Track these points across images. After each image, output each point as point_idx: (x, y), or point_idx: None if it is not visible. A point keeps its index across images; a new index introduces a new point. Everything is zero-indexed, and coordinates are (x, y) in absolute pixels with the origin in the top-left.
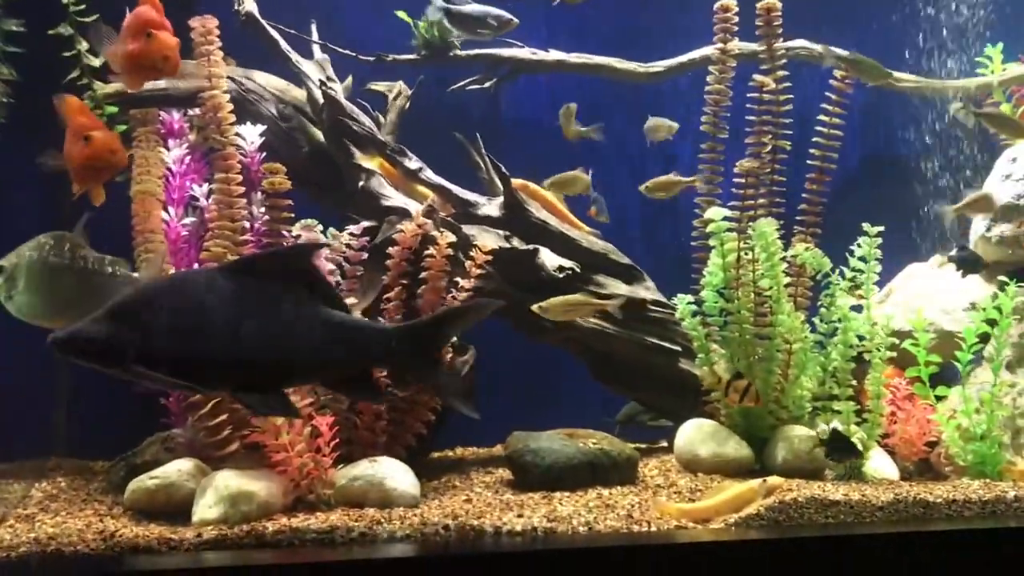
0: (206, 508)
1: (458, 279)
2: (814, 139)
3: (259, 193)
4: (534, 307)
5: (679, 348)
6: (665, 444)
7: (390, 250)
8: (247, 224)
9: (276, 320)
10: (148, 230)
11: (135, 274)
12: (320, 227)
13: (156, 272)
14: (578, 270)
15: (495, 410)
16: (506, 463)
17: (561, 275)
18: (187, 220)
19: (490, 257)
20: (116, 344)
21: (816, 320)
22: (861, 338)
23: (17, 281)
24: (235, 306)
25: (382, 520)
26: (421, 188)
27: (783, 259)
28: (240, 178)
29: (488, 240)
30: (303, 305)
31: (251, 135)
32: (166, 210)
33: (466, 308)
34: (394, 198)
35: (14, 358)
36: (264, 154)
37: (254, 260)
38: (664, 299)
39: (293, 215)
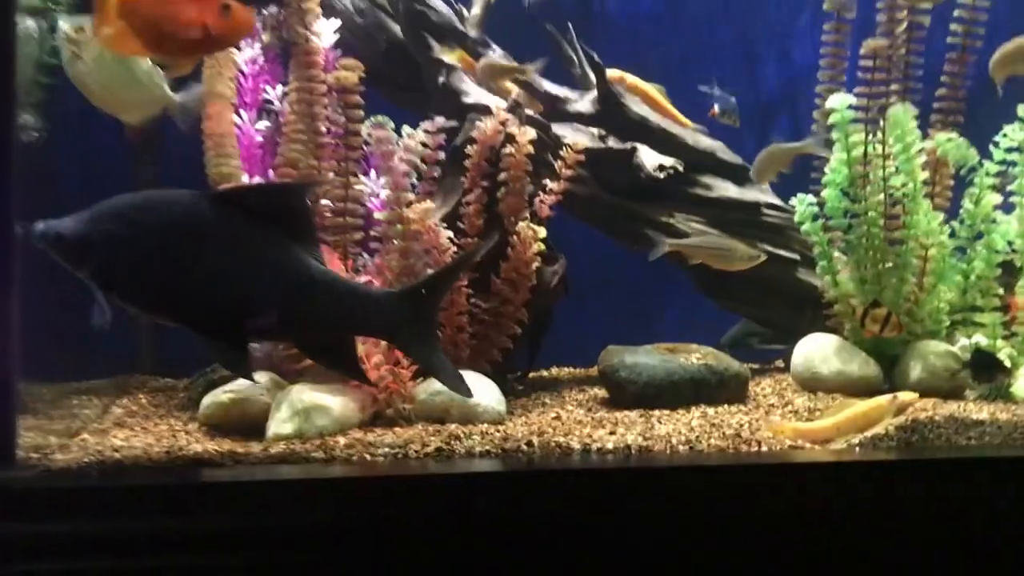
0: (280, 423)
1: (547, 181)
2: (956, 13)
3: (334, 94)
4: (668, 243)
5: (797, 256)
6: (781, 364)
7: (468, 149)
8: (324, 128)
9: (255, 262)
10: (220, 134)
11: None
12: (392, 124)
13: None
14: (681, 169)
15: (593, 327)
16: (600, 380)
17: (662, 175)
18: (260, 124)
19: (582, 157)
20: (80, 247)
21: (956, 223)
22: (1010, 243)
23: (86, 47)
24: (213, 237)
25: (461, 435)
26: (506, 84)
27: (920, 152)
28: (323, 76)
29: (580, 139)
30: (288, 252)
31: (327, 31)
32: (238, 114)
33: (457, 261)
34: (476, 95)
35: None
36: (340, 52)
37: (245, 191)
38: (780, 201)
39: (363, 113)
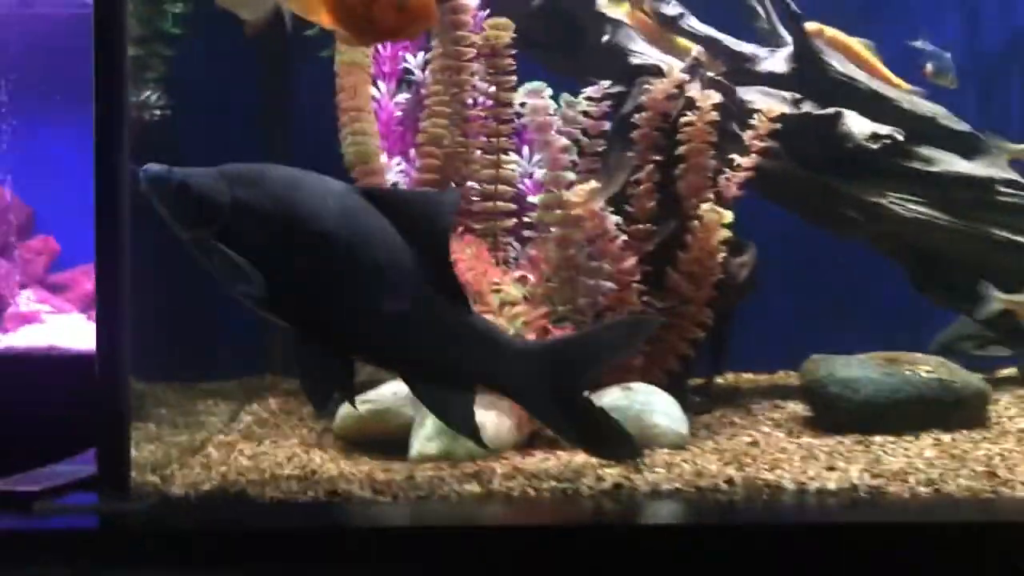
0: (425, 441)
1: (734, 156)
2: None
3: (480, 62)
4: (1001, 299)
5: None
6: (1014, 372)
7: (635, 117)
8: (471, 100)
9: (383, 276)
10: (356, 108)
11: None
12: (549, 92)
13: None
14: (900, 138)
15: (781, 327)
16: (801, 395)
17: (876, 145)
18: (400, 97)
19: (776, 126)
20: (210, 204)
21: None
22: None
23: None
24: (352, 239)
25: (642, 466)
26: (682, 41)
27: None
28: (471, 38)
29: (772, 104)
30: (418, 274)
31: None
32: (376, 85)
33: (625, 324)
34: (647, 55)
35: None
36: (487, 12)
37: (400, 197)
38: (1019, 177)
39: (516, 80)
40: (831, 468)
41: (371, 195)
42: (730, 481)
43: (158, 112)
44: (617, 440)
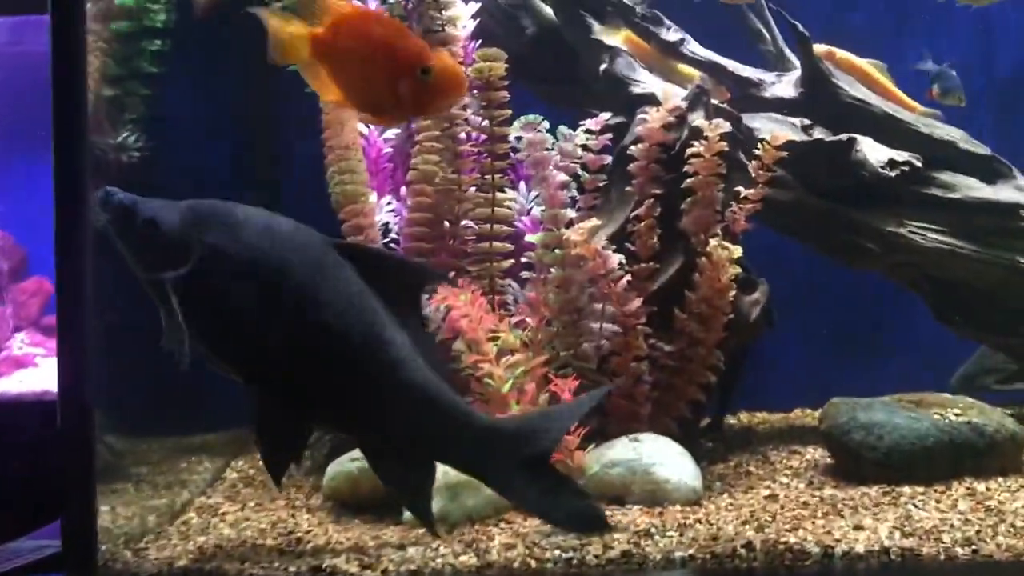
0: None
1: (740, 188)
2: None
3: (473, 95)
4: None
5: None
6: None
7: (632, 149)
8: (464, 134)
9: (354, 339)
10: (342, 145)
11: None
12: (546, 125)
13: None
14: (919, 165)
15: (794, 364)
16: (822, 440)
17: (893, 172)
18: (390, 132)
19: (784, 154)
20: (178, 245)
21: None
22: None
23: None
24: (326, 298)
25: (652, 530)
26: (684, 67)
27: None
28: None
29: (781, 131)
30: (393, 342)
31: (464, 16)
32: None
33: (593, 397)
34: (648, 83)
35: None
36: (479, 41)
37: (382, 259)
38: None
39: (510, 113)
40: (858, 527)
41: (351, 253)
42: (749, 545)
43: (136, 153)
44: (586, 512)
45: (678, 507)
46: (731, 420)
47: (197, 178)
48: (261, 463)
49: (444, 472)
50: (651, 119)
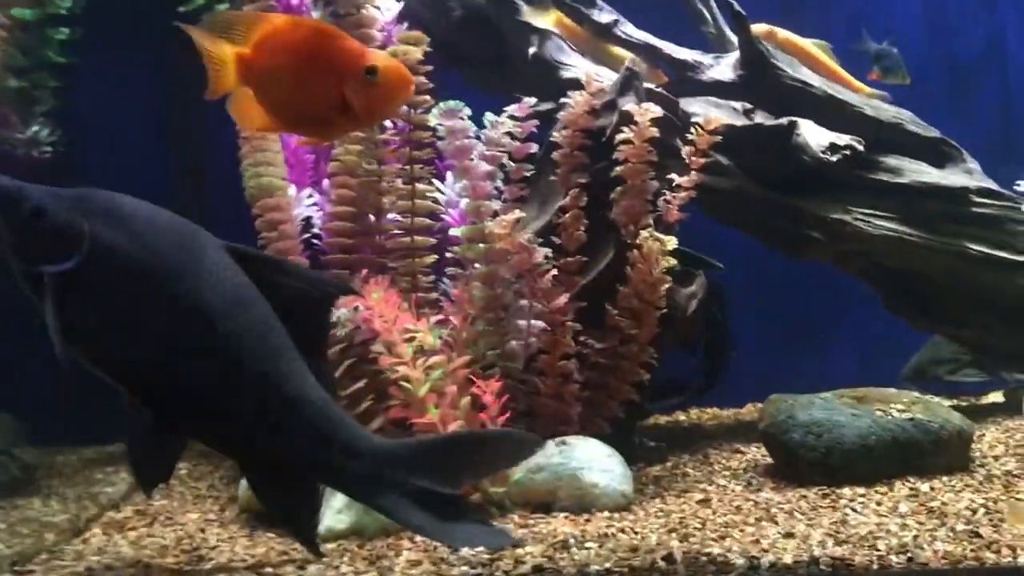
0: (334, 513)
1: (673, 176)
2: None
3: None
4: None
5: (1022, 258)
6: (1000, 399)
7: (554, 135)
8: (388, 123)
9: (240, 351)
10: (258, 136)
11: None
12: (468, 112)
13: None
14: (860, 149)
15: (743, 359)
16: (761, 438)
17: (834, 157)
18: None
19: (718, 138)
20: (63, 241)
21: None
22: None
23: None
24: (215, 302)
25: (571, 541)
26: (617, 50)
27: None
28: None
29: (719, 115)
30: (283, 354)
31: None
32: None
33: (496, 437)
34: (578, 67)
35: None
36: (404, 25)
37: (282, 269)
38: (996, 186)
39: (432, 100)
40: (789, 535)
41: (246, 258)
42: (669, 558)
43: (49, 149)
44: (487, 536)
45: (606, 513)
46: (680, 417)
47: (118, 171)
48: (185, 471)
49: None
50: (575, 104)
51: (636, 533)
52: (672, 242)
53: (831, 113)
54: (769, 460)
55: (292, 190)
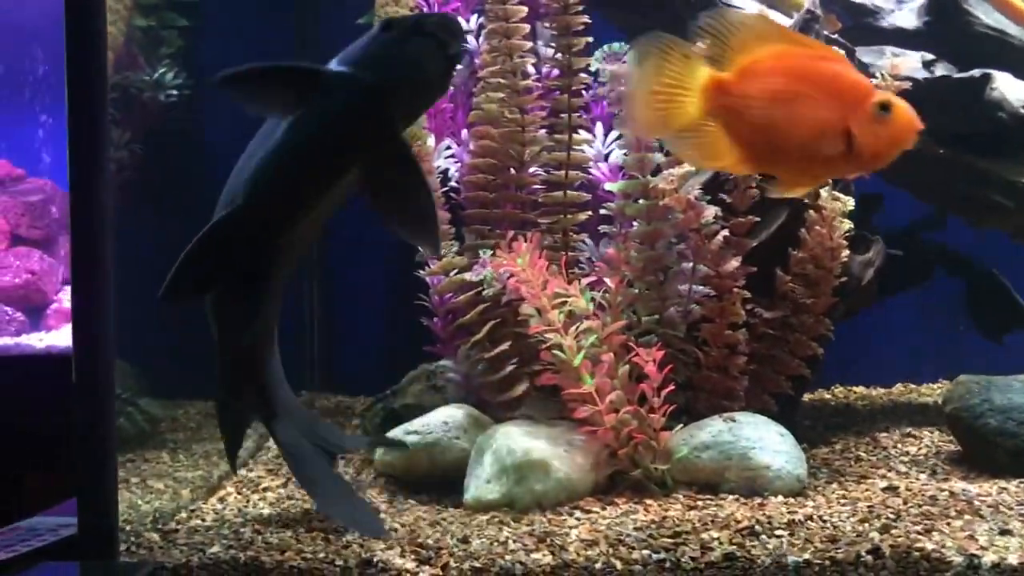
0: (482, 483)
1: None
2: None
3: (544, 24)
4: None
5: None
6: None
7: None
8: (531, 68)
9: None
10: None
11: None
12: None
13: None
14: None
15: (902, 332)
16: (943, 423)
17: None
18: None
19: (907, 85)
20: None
21: None
22: None
23: None
24: None
25: (756, 526)
26: None
27: None
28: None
29: (901, 65)
30: None
31: None
32: None
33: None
34: (745, 7)
35: None
36: None
37: None
38: None
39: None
40: (1005, 531)
41: None
42: (876, 552)
43: (175, 92)
44: (366, 516)
45: (780, 498)
46: (826, 395)
47: (243, 120)
48: None
49: (509, 449)
50: None
51: (825, 522)
52: (851, 203)
53: None
54: (953, 446)
55: (431, 141)
